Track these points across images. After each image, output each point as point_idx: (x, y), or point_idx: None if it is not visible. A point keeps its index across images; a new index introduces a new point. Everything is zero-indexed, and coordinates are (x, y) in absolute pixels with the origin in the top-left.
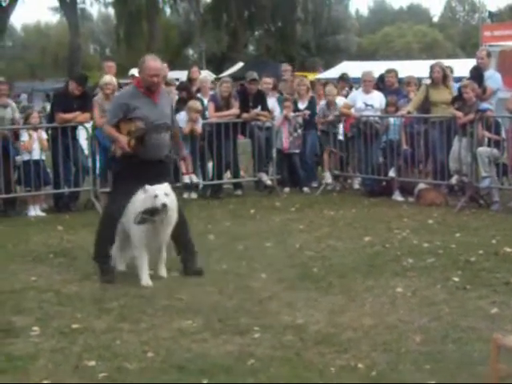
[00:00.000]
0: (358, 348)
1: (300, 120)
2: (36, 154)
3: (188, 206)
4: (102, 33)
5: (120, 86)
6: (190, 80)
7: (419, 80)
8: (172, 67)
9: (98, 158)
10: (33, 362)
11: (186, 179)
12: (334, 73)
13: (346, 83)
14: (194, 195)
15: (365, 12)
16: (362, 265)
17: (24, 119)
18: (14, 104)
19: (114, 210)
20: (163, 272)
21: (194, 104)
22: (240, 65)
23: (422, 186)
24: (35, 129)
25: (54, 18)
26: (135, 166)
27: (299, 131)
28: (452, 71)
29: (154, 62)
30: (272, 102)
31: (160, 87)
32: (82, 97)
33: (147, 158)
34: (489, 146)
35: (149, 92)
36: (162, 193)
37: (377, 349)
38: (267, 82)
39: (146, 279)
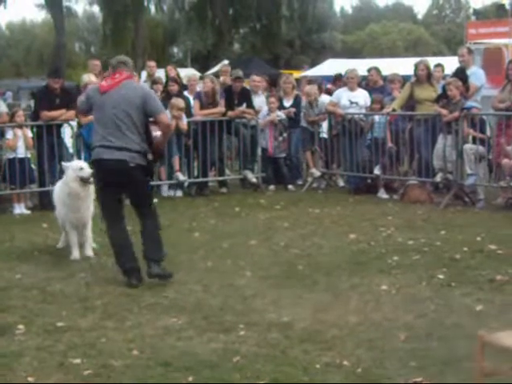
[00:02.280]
0: (343, 345)
1: (284, 116)
2: (21, 152)
3: (173, 204)
4: (87, 30)
5: None
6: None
7: (404, 78)
8: (157, 65)
9: (82, 155)
10: (18, 360)
11: (180, 177)
12: (318, 70)
13: (341, 82)
14: (179, 193)
15: (349, 10)
16: (346, 262)
17: (10, 117)
18: None
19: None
20: (90, 251)
21: (176, 101)
22: (225, 63)
23: (410, 182)
24: (20, 126)
25: (39, 16)
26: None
27: (284, 135)
28: (443, 69)
29: None
30: (260, 100)
31: None
32: (63, 93)
33: None
34: (474, 143)
35: None
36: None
37: (362, 346)
38: (256, 80)
39: (75, 254)
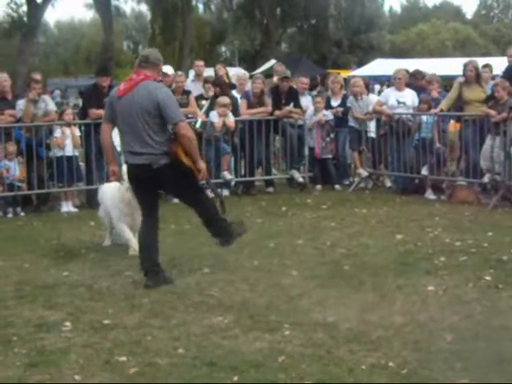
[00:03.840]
0: (388, 346)
1: (331, 116)
2: (69, 150)
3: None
4: (135, 29)
5: None
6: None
7: (452, 78)
8: (205, 64)
9: None
10: (64, 357)
11: (227, 176)
12: (366, 70)
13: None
14: (225, 192)
15: (398, 9)
16: (393, 263)
17: (58, 115)
18: (47, 97)
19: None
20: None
21: (221, 99)
22: (272, 62)
23: (458, 182)
24: (68, 125)
25: (87, 15)
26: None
27: (332, 136)
28: (491, 70)
29: None
30: (307, 100)
31: None
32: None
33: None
34: None
35: None
36: None
37: (407, 347)
38: (304, 82)
39: (135, 244)
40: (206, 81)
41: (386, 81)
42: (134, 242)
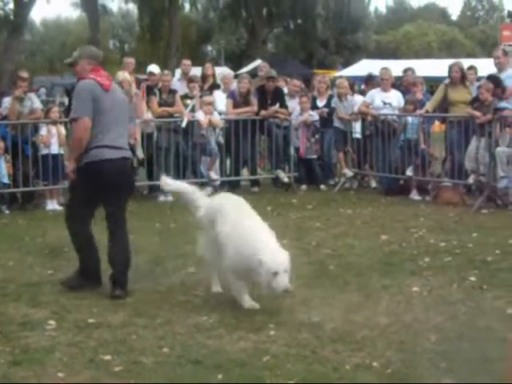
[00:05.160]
0: (373, 346)
1: (317, 117)
2: (54, 149)
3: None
4: (122, 28)
5: (138, 81)
6: (204, 76)
7: (439, 79)
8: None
9: None
10: (49, 355)
11: (212, 175)
12: (352, 71)
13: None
14: (208, 191)
15: (383, 10)
16: (378, 263)
17: (44, 113)
18: (33, 95)
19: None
20: None
21: (206, 97)
22: (258, 62)
23: (443, 183)
24: (54, 123)
25: (73, 14)
26: None
27: (317, 136)
28: (476, 72)
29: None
30: (295, 102)
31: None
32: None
33: None
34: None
35: None
36: None
37: (392, 347)
38: (296, 84)
39: (248, 301)
40: (190, 80)
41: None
42: (247, 300)
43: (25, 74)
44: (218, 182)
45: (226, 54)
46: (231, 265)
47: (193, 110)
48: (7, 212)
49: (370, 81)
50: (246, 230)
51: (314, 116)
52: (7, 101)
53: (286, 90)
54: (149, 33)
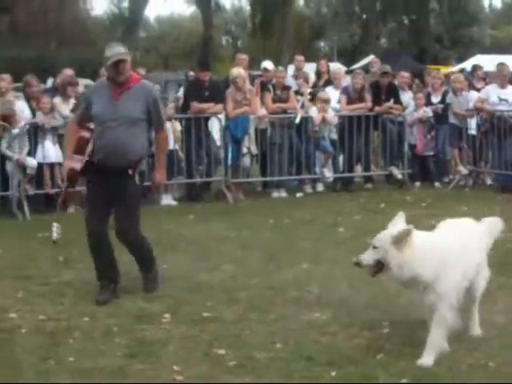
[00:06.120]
0: (489, 346)
1: (431, 113)
2: (170, 144)
3: (318, 199)
4: (235, 24)
5: (252, 77)
6: (319, 73)
7: None
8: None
9: (229, 148)
10: (164, 348)
11: (326, 172)
12: (466, 66)
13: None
14: (320, 187)
15: (498, 4)
16: (494, 262)
17: None
18: None
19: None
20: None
21: (321, 94)
22: (371, 57)
23: None
24: (169, 119)
25: (187, 10)
26: (96, 176)
27: (432, 133)
28: None
29: (112, 50)
30: (407, 96)
31: (128, 79)
32: (212, 86)
33: (105, 165)
34: None
35: (115, 86)
36: None
37: (509, 347)
38: (404, 76)
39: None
40: (298, 77)
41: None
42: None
43: (142, 71)
44: (331, 179)
45: (338, 50)
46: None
47: (302, 107)
48: None
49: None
50: None
51: (428, 112)
52: None
53: None
54: (261, 29)
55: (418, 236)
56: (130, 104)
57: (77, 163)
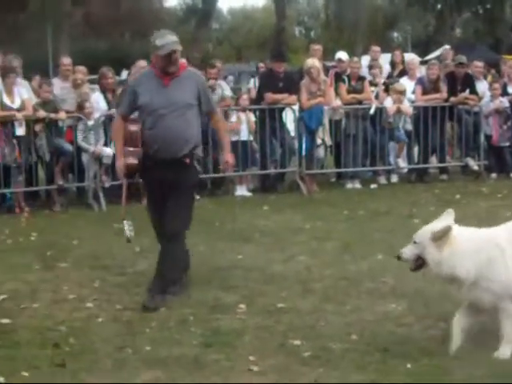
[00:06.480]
0: None
1: (507, 103)
2: (244, 135)
3: (392, 190)
4: (307, 15)
5: (326, 68)
6: (393, 63)
7: None
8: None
9: (304, 139)
10: (239, 338)
11: (401, 163)
12: None
13: None
14: (394, 179)
15: None
16: None
17: (235, 100)
18: (223, 83)
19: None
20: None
21: (397, 85)
22: (446, 48)
23: None
24: (244, 110)
25: (259, 2)
26: (150, 171)
27: (509, 123)
28: None
29: (163, 39)
30: (483, 86)
31: (178, 68)
32: (286, 77)
33: (160, 157)
34: None
35: (163, 74)
36: None
37: None
38: (478, 65)
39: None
40: (373, 67)
41: None
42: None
43: (219, 64)
44: (405, 170)
45: (412, 41)
46: None
47: (377, 97)
48: (197, 197)
49: None
50: None
51: (505, 102)
52: None
53: None
54: (334, 20)
55: (461, 234)
56: (180, 90)
57: (133, 158)
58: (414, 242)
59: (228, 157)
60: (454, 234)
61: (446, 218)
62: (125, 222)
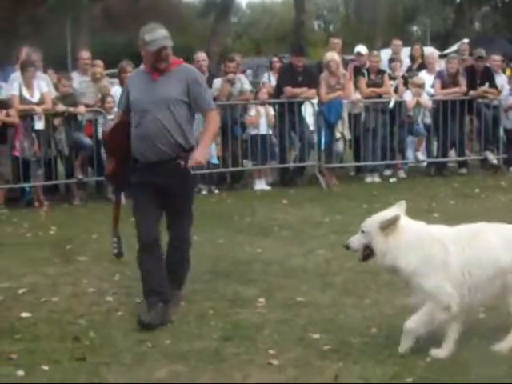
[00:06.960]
0: None
1: None
2: (263, 129)
3: (412, 184)
4: (327, 9)
5: (345, 62)
6: (413, 57)
7: None
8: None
9: (323, 133)
10: (259, 332)
11: (420, 156)
12: None
13: None
14: (402, 174)
15: None
16: None
17: (254, 94)
18: (243, 77)
19: (140, 237)
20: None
21: (416, 79)
22: (465, 42)
23: None
24: (263, 104)
25: None
26: (139, 174)
27: None
28: None
29: (153, 33)
30: (502, 80)
31: (169, 64)
32: (305, 71)
33: (147, 159)
34: None
35: (153, 70)
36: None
37: None
38: (496, 59)
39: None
40: (392, 60)
41: None
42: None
43: (237, 58)
44: (424, 163)
45: (431, 34)
46: None
47: (396, 91)
48: (216, 191)
49: None
50: None
51: None
52: (218, 82)
53: None
54: (353, 13)
55: (409, 225)
56: (168, 85)
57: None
58: (362, 232)
59: (198, 153)
60: (402, 225)
61: (397, 209)
62: (114, 239)
